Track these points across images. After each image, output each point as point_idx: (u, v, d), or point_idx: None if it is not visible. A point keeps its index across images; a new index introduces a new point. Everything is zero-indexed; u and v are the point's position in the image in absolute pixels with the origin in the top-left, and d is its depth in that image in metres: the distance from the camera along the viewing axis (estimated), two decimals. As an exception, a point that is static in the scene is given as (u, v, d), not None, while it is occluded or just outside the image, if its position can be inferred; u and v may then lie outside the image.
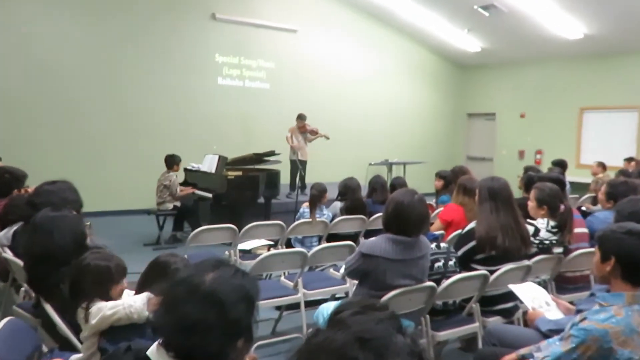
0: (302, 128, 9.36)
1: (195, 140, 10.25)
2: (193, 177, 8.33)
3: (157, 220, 7.47)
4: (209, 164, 8.11)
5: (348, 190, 5.49)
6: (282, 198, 8.83)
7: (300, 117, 9.38)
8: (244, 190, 7.49)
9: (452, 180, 5.82)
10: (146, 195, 8.87)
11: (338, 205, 5.49)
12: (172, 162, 7.49)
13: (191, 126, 10.42)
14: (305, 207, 5.29)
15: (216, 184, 7.62)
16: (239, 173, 8.02)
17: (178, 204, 7.49)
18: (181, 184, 7.96)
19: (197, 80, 10.51)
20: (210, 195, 7.65)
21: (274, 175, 8.17)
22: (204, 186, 7.84)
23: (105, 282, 2.36)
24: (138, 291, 2.41)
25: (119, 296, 2.45)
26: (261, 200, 8.09)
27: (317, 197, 5.21)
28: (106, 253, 2.44)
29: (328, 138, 9.50)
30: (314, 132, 9.38)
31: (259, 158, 8.36)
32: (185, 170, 8.54)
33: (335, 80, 12.31)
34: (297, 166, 8.89)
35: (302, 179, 9.22)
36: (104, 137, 9.53)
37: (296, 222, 5.06)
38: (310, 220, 5.09)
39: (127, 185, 9.66)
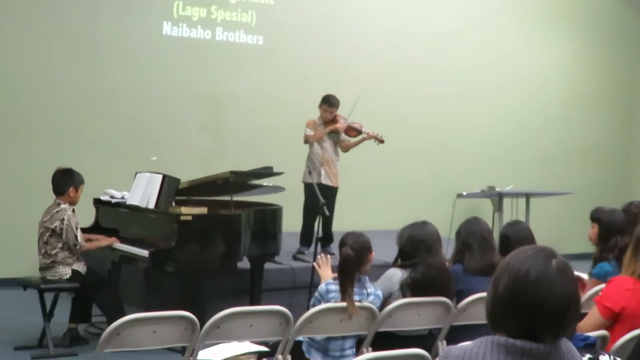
0: (332, 123, 8.11)
1: (117, 145, 9.07)
2: (111, 217, 7.35)
3: (41, 299, 6.44)
4: (143, 192, 6.89)
5: (417, 247, 5.05)
6: (285, 260, 7.84)
7: (328, 102, 8.12)
8: (211, 245, 6.66)
9: (620, 230, 5.39)
10: (19, 252, 8.25)
11: (397, 276, 5.05)
12: (65, 183, 6.57)
13: (108, 117, 9.10)
14: (331, 281, 4.86)
15: (157, 230, 6.80)
16: (202, 210, 6.67)
17: (81, 267, 6.55)
18: (88, 230, 7.04)
19: (119, 27, 9.17)
20: (144, 253, 6.38)
21: (269, 216, 7.27)
22: (134, 234, 6.94)
23: None
24: None
25: None
26: (244, 263, 6.85)
27: (355, 260, 4.75)
28: None
29: (382, 141, 8.38)
30: (355, 132, 8.28)
31: (240, 182, 7.07)
32: (97, 203, 7.33)
33: (395, 34, 10.95)
34: (317, 198, 7.20)
35: (327, 223, 8.10)
36: None
37: (314, 310, 4.65)
38: (341, 305, 4.68)
39: None
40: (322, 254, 5.28)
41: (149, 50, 9.50)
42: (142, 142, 9.34)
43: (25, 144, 8.83)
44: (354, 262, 4.73)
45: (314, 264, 5.32)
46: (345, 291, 4.69)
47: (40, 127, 8.89)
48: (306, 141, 8.09)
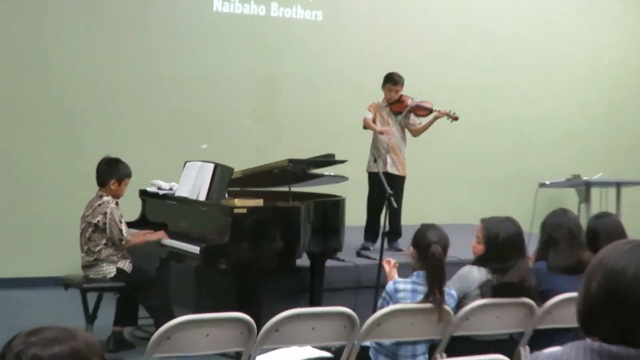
0: (398, 105, 8.13)
1: (164, 132, 9.35)
2: (159, 210, 7.39)
3: (84, 300, 6.46)
4: (193, 183, 6.91)
5: (496, 242, 5.05)
6: (348, 257, 7.79)
7: (391, 80, 8.12)
8: (268, 240, 6.63)
9: None
10: (61, 249, 8.34)
11: (473, 274, 5.05)
12: (109, 173, 6.58)
13: (154, 102, 9.33)
14: (400, 279, 4.92)
15: (209, 224, 6.83)
16: (257, 202, 6.67)
17: (126, 265, 6.57)
18: (134, 224, 7.11)
19: (166, 5, 9.50)
20: (195, 249, 6.35)
21: (331, 208, 7.24)
22: (184, 229, 6.93)
23: None
24: None
25: None
26: (303, 260, 6.84)
27: (432, 257, 4.76)
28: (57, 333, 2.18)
29: (455, 118, 8.27)
30: (425, 110, 8.20)
31: (299, 171, 7.04)
32: (144, 194, 7.42)
33: (468, 4, 11.07)
34: (383, 188, 7.14)
35: (394, 216, 7.97)
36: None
37: (382, 311, 4.63)
38: (413, 306, 4.72)
39: (19, 231, 8.83)
40: (388, 260, 5.27)
41: (198, 29, 9.52)
42: (192, 128, 9.40)
43: (68, 134, 9.05)
44: (431, 260, 4.71)
45: (384, 262, 5.28)
46: (435, 296, 4.66)
47: (84, 116, 9.07)
48: (365, 126, 8.08)
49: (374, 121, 8.16)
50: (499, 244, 5.03)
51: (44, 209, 8.84)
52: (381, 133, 8.08)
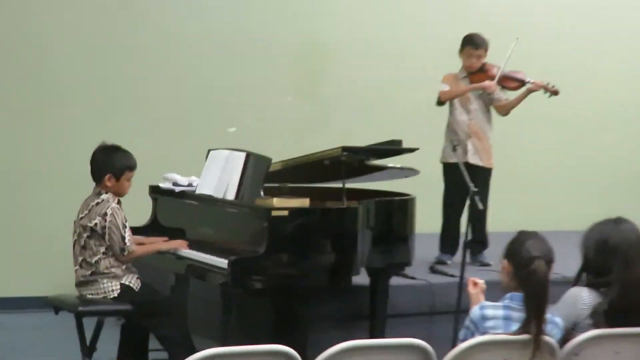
0: (481, 76, 8.12)
1: (180, 114, 9.53)
2: (175, 212, 7.37)
3: (79, 327, 6.31)
4: (218, 178, 6.87)
5: (609, 256, 4.91)
6: (419, 273, 7.75)
7: (472, 43, 8.17)
8: (315, 251, 6.52)
9: None
10: (49, 262, 8.54)
11: (582, 298, 4.93)
12: (104, 165, 6.51)
13: (168, 78, 9.54)
14: (489, 303, 4.74)
15: (240, 231, 6.76)
16: (302, 202, 6.66)
17: (133, 281, 6.38)
18: (142, 229, 7.04)
19: None
20: (222, 262, 6.24)
21: (397, 210, 7.15)
22: (207, 236, 6.83)
23: None
24: None
25: None
26: (361, 277, 6.77)
27: (533, 275, 4.63)
28: None
29: (555, 92, 8.25)
30: (515, 82, 8.22)
31: (355, 162, 6.94)
32: (156, 192, 7.38)
33: None
34: (465, 183, 7.13)
35: (479, 220, 8.00)
36: None
37: (466, 344, 4.42)
38: (506, 337, 4.51)
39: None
40: (474, 280, 5.13)
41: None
42: (216, 109, 9.48)
43: (54, 119, 9.00)
44: (531, 280, 4.60)
45: (468, 282, 5.15)
46: (535, 325, 4.52)
47: (76, 97, 9.03)
48: (440, 101, 8.03)
49: (448, 95, 8.11)
50: (594, 252, 4.98)
51: (26, 213, 8.84)
52: (483, 89, 8.02)
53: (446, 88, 8.16)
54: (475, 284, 5.01)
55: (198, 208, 7.13)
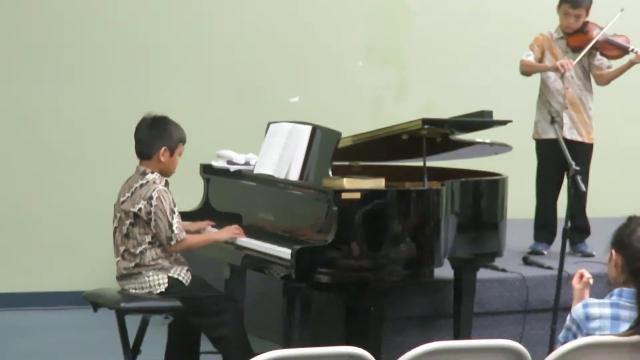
0: (579, 38, 8.12)
1: (233, 83, 9.62)
2: (230, 195, 7.42)
3: (121, 326, 6.29)
4: (280, 155, 6.85)
5: None
6: (510, 265, 7.81)
7: (571, 1, 8.10)
8: (392, 240, 6.45)
9: None
10: (87, 253, 8.71)
11: None
12: (157, 139, 6.46)
13: (218, 42, 9.70)
14: (594, 302, 4.68)
15: (304, 216, 6.75)
16: (376, 183, 6.59)
17: (183, 274, 6.37)
18: (192, 214, 7.13)
19: None
20: (285, 252, 6.23)
21: (486, 193, 7.21)
22: (267, 223, 6.87)
23: None
24: None
25: None
26: (444, 269, 6.83)
27: None
28: None
29: None
30: (616, 49, 8.21)
31: (438, 136, 7.03)
32: (208, 172, 7.40)
33: None
34: (564, 162, 7.13)
35: (580, 203, 8.01)
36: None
37: (568, 346, 4.34)
38: (615, 339, 4.44)
39: (23, 230, 8.94)
40: (581, 272, 5.05)
41: None
42: (276, 74, 9.49)
43: (96, 90, 9.00)
44: None
45: (574, 275, 5.08)
46: None
47: (116, 69, 9.07)
48: (525, 72, 8.06)
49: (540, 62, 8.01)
50: None
51: (61, 198, 8.91)
52: (556, 70, 7.97)
53: (530, 57, 8.16)
54: (581, 276, 4.93)
55: (256, 190, 7.10)
